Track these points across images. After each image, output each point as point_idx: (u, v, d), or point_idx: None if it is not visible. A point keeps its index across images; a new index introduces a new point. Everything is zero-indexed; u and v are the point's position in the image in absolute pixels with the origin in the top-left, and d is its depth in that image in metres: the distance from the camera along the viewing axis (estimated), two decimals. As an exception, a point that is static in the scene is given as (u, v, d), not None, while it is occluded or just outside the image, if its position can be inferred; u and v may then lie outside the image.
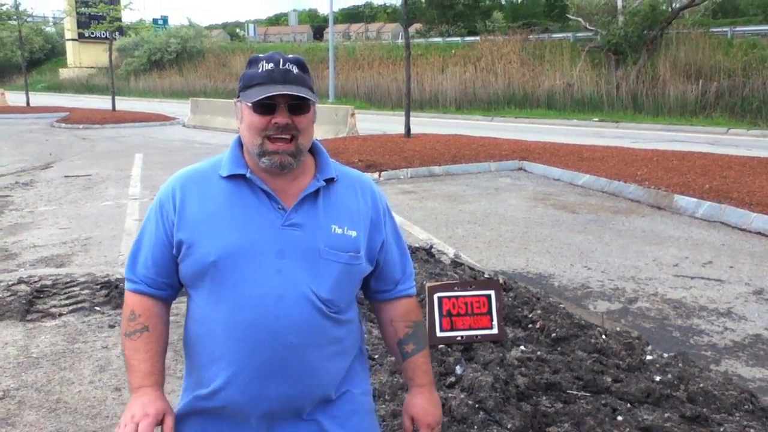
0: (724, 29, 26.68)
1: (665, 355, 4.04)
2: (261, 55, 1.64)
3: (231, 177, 1.65)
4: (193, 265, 1.62)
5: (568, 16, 32.26)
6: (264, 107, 1.59)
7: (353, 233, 1.66)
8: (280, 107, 1.59)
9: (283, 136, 1.59)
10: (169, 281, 1.71)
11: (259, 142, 1.60)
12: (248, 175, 1.64)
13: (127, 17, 67.10)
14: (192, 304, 1.69)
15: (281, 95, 1.58)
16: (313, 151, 1.74)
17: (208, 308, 1.63)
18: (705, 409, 3.28)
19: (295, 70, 1.61)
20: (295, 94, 1.58)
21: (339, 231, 1.64)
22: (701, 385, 3.51)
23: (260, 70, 1.61)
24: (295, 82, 1.60)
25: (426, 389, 1.84)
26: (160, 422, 1.61)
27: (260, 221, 1.61)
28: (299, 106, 1.61)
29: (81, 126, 22.16)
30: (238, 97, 1.66)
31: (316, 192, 1.67)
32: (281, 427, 1.66)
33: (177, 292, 1.76)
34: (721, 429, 3.11)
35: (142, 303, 1.71)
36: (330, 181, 1.69)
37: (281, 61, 1.61)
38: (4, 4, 34.56)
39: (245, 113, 1.63)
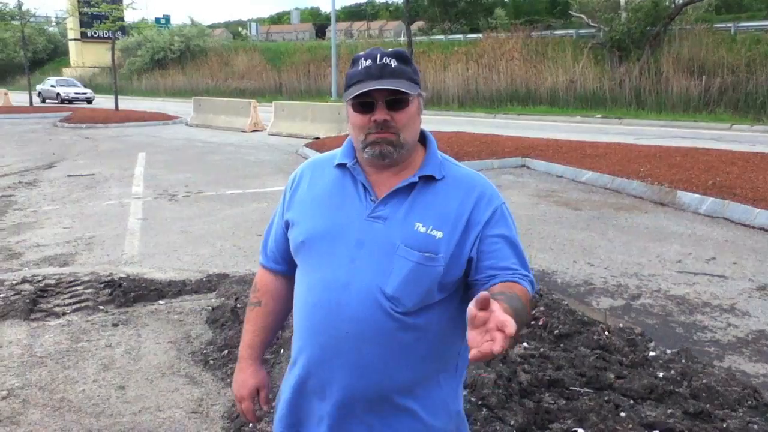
0: (728, 25, 26.57)
1: (668, 351, 4.04)
2: (362, 53, 1.63)
3: (339, 166, 1.71)
4: (292, 242, 1.73)
5: (570, 12, 32.17)
6: (363, 105, 1.59)
7: (438, 234, 1.58)
8: (379, 104, 1.57)
9: (386, 132, 1.60)
10: (288, 258, 1.81)
11: (362, 138, 1.61)
12: (349, 165, 1.67)
13: (130, 17, 67.16)
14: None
15: (378, 92, 1.56)
16: (425, 146, 1.72)
17: (298, 285, 1.73)
18: (708, 405, 3.27)
19: (393, 63, 1.58)
20: (388, 87, 1.55)
21: (422, 230, 1.58)
22: (704, 381, 3.51)
23: (359, 68, 1.60)
24: (393, 75, 1.57)
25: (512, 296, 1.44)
26: (257, 394, 1.87)
27: (350, 210, 1.64)
28: (398, 101, 1.58)
29: (84, 125, 22.22)
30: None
31: (411, 187, 1.63)
32: (337, 419, 1.65)
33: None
34: (724, 425, 3.10)
35: (264, 278, 1.89)
36: (429, 178, 1.64)
37: (378, 56, 1.59)
38: (6, 4, 34.67)
39: (349, 112, 1.64)
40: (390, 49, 1.62)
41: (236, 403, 1.92)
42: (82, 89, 37.51)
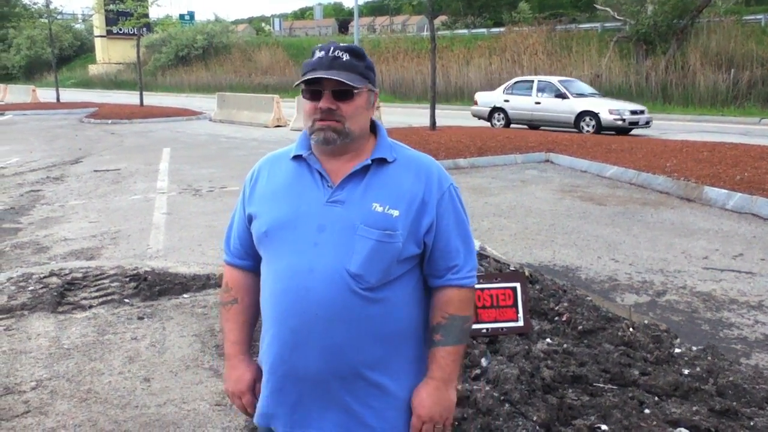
0: (758, 17, 26.12)
1: (694, 348, 3.99)
2: (319, 45, 1.74)
3: (295, 158, 1.79)
4: (256, 234, 1.79)
5: (595, 5, 31.85)
6: (312, 93, 1.69)
7: (395, 212, 1.68)
8: (325, 93, 1.67)
9: (330, 120, 1.68)
10: (252, 252, 1.87)
11: (310, 124, 1.71)
12: (305, 155, 1.76)
13: (154, 13, 67.79)
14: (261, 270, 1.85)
15: (326, 82, 1.66)
16: (376, 135, 1.81)
17: (264, 274, 1.79)
18: (735, 403, 3.23)
19: (345, 57, 1.68)
20: (332, 77, 1.64)
21: (380, 209, 1.67)
22: (731, 378, 3.46)
23: (313, 58, 1.71)
24: (342, 68, 1.67)
25: (434, 382, 1.75)
26: (252, 388, 1.86)
27: (309, 197, 1.71)
28: (344, 92, 1.67)
29: (110, 121, 22.47)
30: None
31: (365, 171, 1.72)
32: (313, 405, 1.72)
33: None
34: (751, 423, 3.06)
35: (234, 275, 1.93)
36: (382, 161, 1.74)
37: (332, 48, 1.70)
38: (35, 3, 35.15)
39: (303, 99, 1.74)
40: (344, 44, 1.73)
41: (232, 400, 1.91)
42: (634, 105, 18.11)
